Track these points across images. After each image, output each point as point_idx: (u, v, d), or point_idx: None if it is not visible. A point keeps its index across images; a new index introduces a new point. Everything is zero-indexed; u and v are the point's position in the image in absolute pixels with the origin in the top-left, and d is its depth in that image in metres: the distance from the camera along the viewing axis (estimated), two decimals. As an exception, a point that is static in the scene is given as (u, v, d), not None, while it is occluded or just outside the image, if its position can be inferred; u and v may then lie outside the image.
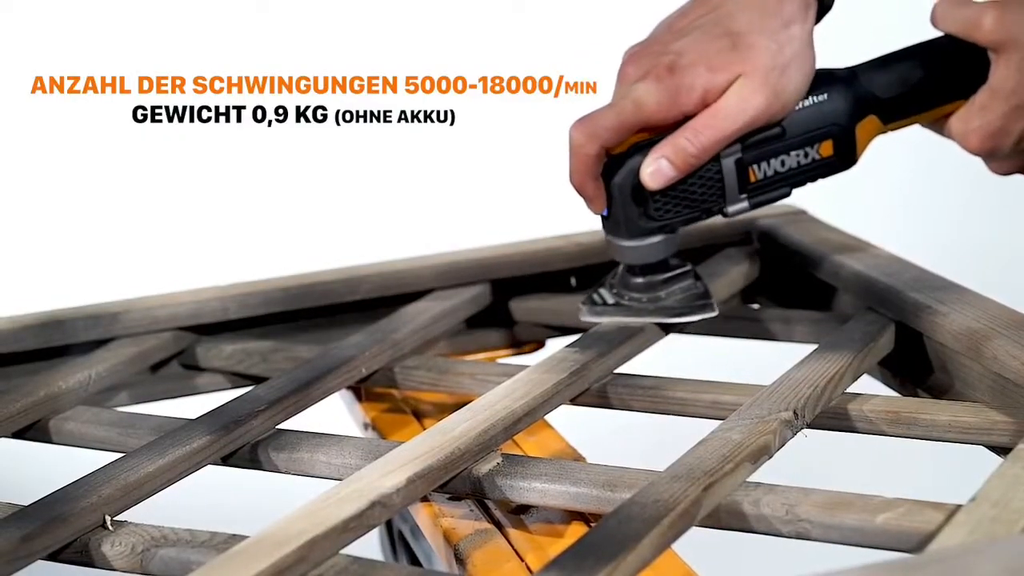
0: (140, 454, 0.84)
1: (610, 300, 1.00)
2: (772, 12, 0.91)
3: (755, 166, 0.94)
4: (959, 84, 0.93)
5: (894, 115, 0.95)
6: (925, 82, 0.94)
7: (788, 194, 0.96)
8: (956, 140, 0.94)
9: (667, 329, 1.00)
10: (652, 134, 0.93)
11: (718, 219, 0.97)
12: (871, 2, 1.67)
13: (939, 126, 0.95)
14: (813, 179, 0.96)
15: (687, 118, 0.92)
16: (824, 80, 0.94)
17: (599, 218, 0.97)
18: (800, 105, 0.93)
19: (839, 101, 0.94)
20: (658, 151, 0.91)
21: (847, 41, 1.06)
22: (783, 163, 0.94)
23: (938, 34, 0.94)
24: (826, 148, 0.95)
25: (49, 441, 0.97)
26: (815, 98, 0.94)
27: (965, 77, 0.92)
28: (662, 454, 0.82)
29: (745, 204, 0.95)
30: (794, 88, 0.92)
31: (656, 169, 0.91)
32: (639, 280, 0.98)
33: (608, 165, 0.94)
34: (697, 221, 0.96)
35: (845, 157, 0.95)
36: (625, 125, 0.92)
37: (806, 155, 0.94)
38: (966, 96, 0.93)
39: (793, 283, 1.13)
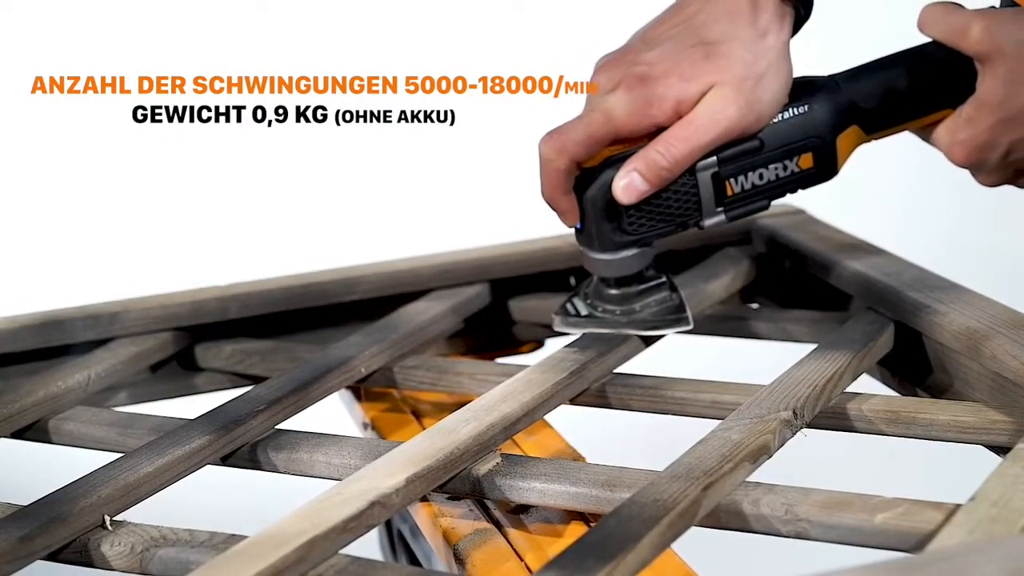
0: (139, 454, 0.84)
1: (583, 311, 0.98)
2: (747, 22, 0.89)
3: (732, 180, 0.91)
4: (945, 93, 0.90)
5: (877, 125, 0.93)
6: (910, 91, 0.91)
7: (767, 207, 0.93)
8: (942, 151, 0.91)
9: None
10: (626, 146, 0.90)
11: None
12: (854, 8, 1.67)
13: (925, 134, 0.93)
14: (793, 191, 0.93)
15: (660, 130, 0.89)
16: (804, 90, 0.91)
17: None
18: (779, 117, 0.91)
19: (820, 113, 0.91)
20: (630, 165, 0.89)
21: (830, 47, 1.05)
22: (761, 176, 0.91)
23: (923, 41, 0.91)
24: (806, 160, 0.92)
25: (48, 441, 0.97)
26: (795, 110, 0.91)
27: (951, 86, 0.89)
28: (662, 454, 0.82)
29: (722, 217, 0.92)
30: (769, 99, 0.90)
31: (628, 183, 0.89)
32: (613, 292, 0.96)
33: (580, 179, 0.91)
34: (673, 234, 0.93)
35: (825, 169, 0.93)
36: (595, 138, 0.89)
37: (785, 168, 0.92)
38: (952, 106, 0.90)
39: (792, 283, 1.13)
